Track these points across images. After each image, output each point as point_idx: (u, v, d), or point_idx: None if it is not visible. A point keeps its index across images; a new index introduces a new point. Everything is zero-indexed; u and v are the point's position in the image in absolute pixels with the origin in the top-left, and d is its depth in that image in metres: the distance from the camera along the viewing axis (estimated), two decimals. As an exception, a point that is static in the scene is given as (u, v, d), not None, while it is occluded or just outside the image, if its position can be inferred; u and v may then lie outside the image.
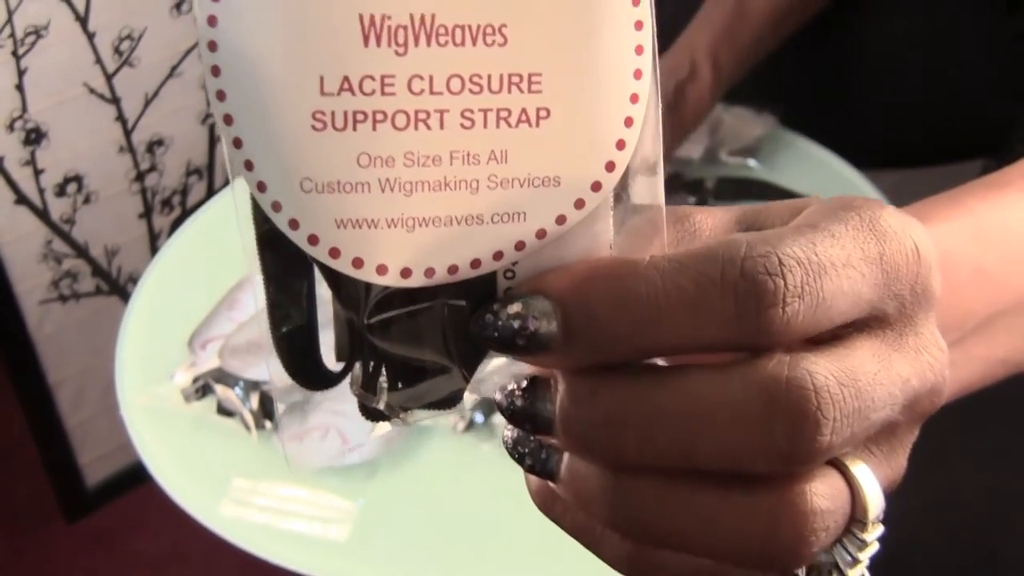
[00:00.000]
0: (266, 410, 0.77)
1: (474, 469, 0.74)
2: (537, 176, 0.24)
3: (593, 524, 0.27)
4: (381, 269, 0.23)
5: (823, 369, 0.24)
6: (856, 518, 0.26)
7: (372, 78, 0.22)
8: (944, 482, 0.64)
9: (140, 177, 1.36)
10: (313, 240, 0.23)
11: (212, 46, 0.22)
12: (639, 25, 0.23)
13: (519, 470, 0.27)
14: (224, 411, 0.78)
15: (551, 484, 0.26)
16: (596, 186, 0.24)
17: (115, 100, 1.29)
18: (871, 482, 0.26)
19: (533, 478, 0.27)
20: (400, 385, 0.25)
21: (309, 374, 0.25)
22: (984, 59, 0.94)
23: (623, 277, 0.23)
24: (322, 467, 0.74)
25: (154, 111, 1.33)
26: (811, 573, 0.26)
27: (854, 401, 0.24)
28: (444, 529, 0.71)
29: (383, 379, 0.25)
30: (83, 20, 1.21)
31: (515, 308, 0.23)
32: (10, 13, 1.14)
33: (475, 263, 0.24)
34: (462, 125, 0.23)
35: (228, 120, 0.23)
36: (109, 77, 1.27)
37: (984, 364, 0.33)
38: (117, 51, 1.26)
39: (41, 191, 1.26)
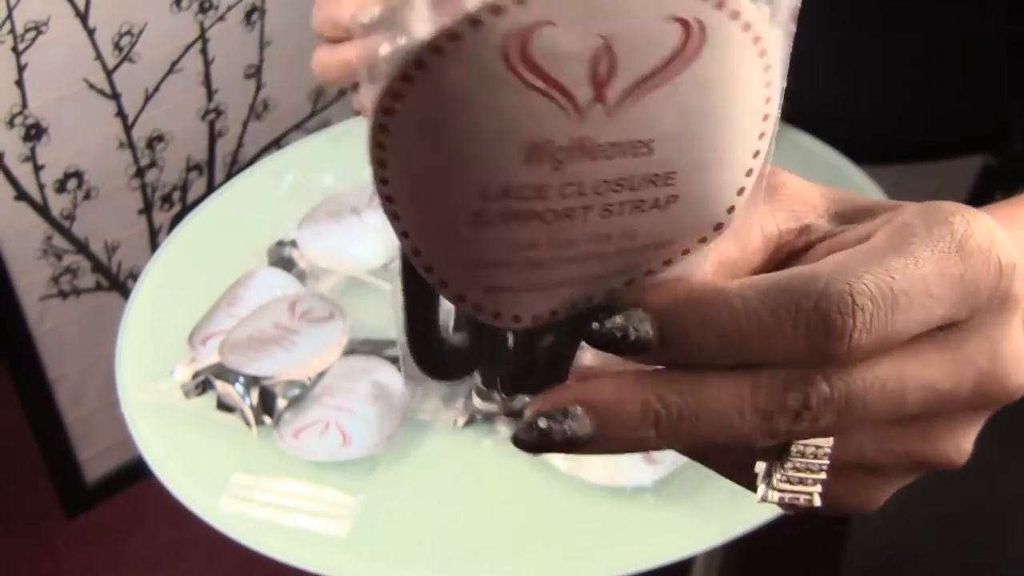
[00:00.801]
0: (266, 406, 0.77)
1: (474, 464, 0.74)
2: (658, 242, 0.27)
3: None
4: (516, 319, 0.27)
5: (836, 380, 0.27)
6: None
7: (529, 187, 0.24)
8: (943, 486, 0.64)
9: (140, 173, 1.36)
10: (460, 298, 0.26)
11: (381, 164, 0.24)
12: (766, 118, 0.26)
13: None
14: (224, 407, 0.79)
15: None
16: (703, 239, 0.27)
17: (115, 96, 1.29)
18: None
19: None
20: (515, 380, 0.30)
21: (437, 368, 0.30)
22: (984, 56, 0.94)
23: (712, 304, 0.27)
24: (322, 461, 0.74)
25: (154, 107, 1.33)
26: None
27: (848, 413, 0.27)
28: (444, 524, 0.71)
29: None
30: (83, 16, 1.21)
31: (619, 320, 0.27)
32: (10, 9, 1.14)
33: (589, 300, 0.28)
34: (601, 216, 0.26)
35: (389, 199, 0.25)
36: (109, 73, 1.27)
37: None
38: (117, 47, 1.26)
39: (41, 187, 1.26)
